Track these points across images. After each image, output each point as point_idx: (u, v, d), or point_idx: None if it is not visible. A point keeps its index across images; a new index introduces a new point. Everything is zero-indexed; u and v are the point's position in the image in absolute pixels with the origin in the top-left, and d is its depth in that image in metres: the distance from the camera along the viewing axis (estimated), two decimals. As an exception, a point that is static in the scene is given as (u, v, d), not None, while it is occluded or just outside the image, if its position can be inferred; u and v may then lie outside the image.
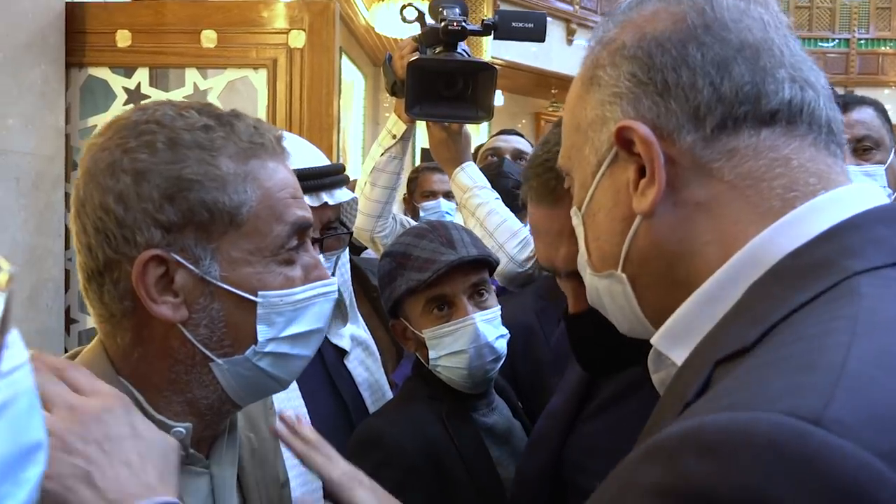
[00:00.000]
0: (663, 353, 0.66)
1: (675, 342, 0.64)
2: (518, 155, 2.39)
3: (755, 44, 0.62)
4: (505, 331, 1.38)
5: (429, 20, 1.72)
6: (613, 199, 0.66)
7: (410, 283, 1.32)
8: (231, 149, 0.75)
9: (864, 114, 1.89)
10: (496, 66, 1.77)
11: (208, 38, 2.46)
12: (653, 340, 0.67)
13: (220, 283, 0.74)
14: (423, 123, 1.88)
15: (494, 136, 2.50)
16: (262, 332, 0.77)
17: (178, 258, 0.73)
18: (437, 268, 1.30)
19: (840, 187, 0.60)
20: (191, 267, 0.73)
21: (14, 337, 0.34)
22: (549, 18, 7.18)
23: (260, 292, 0.76)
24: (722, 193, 0.61)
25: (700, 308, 0.61)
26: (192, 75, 2.48)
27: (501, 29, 1.71)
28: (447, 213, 2.96)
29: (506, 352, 1.38)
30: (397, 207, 3.21)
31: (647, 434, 0.60)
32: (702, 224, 0.61)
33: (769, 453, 0.38)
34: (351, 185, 1.48)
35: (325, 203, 1.25)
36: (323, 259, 1.25)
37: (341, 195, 1.29)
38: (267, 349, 0.77)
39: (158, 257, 0.72)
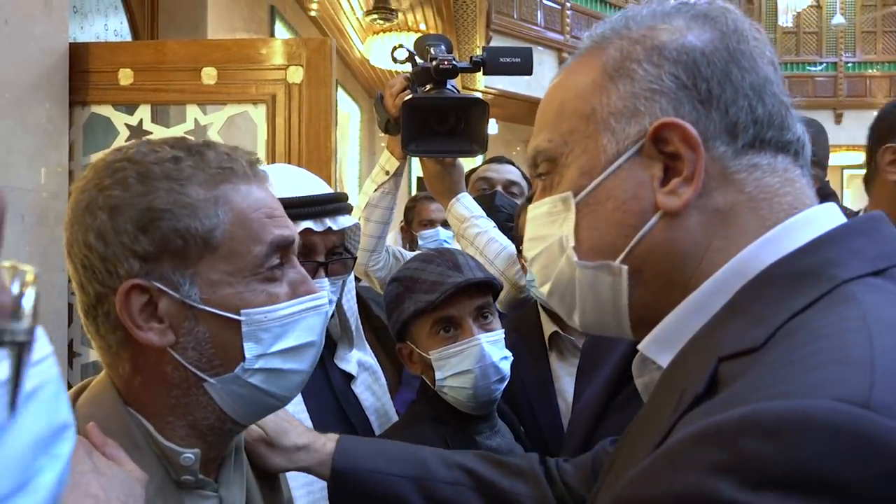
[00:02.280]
0: (650, 357, 0.68)
1: (663, 348, 0.66)
2: (510, 186, 2.42)
3: (774, 80, 0.68)
4: (508, 353, 1.42)
5: (418, 59, 1.77)
6: (632, 192, 0.66)
7: (419, 304, 1.36)
8: (200, 176, 0.78)
9: None
10: (487, 100, 1.82)
11: (208, 75, 2.52)
12: (641, 346, 0.69)
13: (201, 306, 0.76)
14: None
15: (486, 163, 2.53)
16: (249, 348, 0.78)
17: (158, 285, 0.75)
18: (445, 289, 1.34)
19: (812, 208, 0.65)
20: (171, 293, 0.76)
21: (40, 332, 0.38)
22: (540, 48, 7.30)
23: (243, 311, 0.78)
24: (740, 204, 0.64)
25: (689, 315, 0.64)
26: (192, 111, 2.53)
27: (490, 65, 1.77)
28: (445, 241, 3.01)
29: (509, 373, 1.41)
30: (392, 237, 3.26)
31: (646, 427, 0.63)
32: (717, 230, 0.64)
33: (827, 434, 0.41)
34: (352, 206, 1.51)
35: (329, 228, 1.28)
36: (329, 284, 1.29)
37: (345, 221, 1.33)
38: (256, 365, 0.79)
39: (139, 286, 0.75)
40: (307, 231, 1.25)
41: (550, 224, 0.72)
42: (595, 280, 0.68)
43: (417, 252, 2.38)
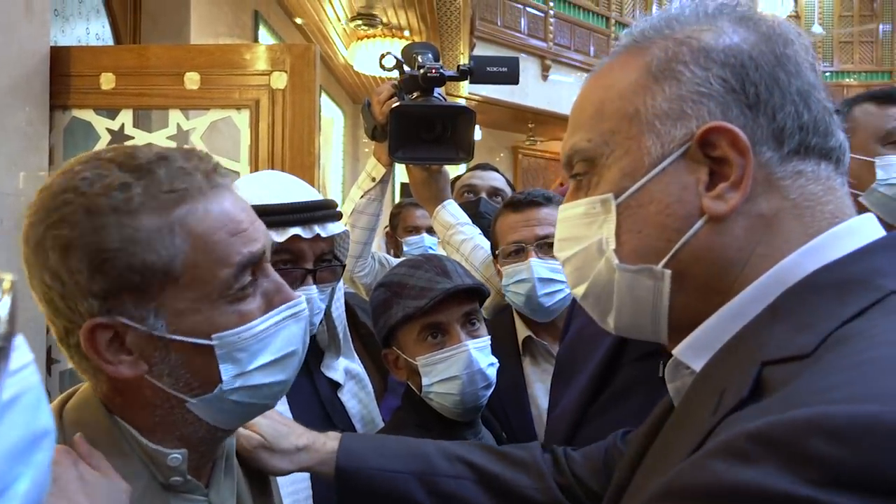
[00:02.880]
0: (684, 362, 0.68)
1: (699, 353, 0.65)
2: (494, 192, 2.43)
3: (817, 85, 0.68)
4: (494, 360, 1.42)
5: (405, 67, 1.77)
6: (676, 196, 0.66)
7: (407, 310, 1.35)
8: (151, 204, 0.73)
9: None
10: (471, 106, 1.83)
11: (191, 80, 2.51)
12: (676, 352, 0.69)
13: (170, 336, 0.73)
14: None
15: (470, 170, 2.54)
16: (226, 370, 0.76)
17: (122, 320, 0.72)
18: (434, 295, 1.33)
19: (854, 218, 0.65)
20: (137, 326, 0.73)
21: (20, 340, 0.37)
22: (523, 55, 7.35)
23: (214, 335, 0.75)
24: (784, 210, 0.64)
25: (728, 321, 0.64)
26: (175, 116, 2.52)
27: (477, 74, 1.78)
28: (430, 247, 3.01)
29: (495, 379, 1.41)
30: (376, 243, 3.25)
31: (681, 428, 0.62)
32: (761, 237, 0.64)
33: (893, 439, 0.41)
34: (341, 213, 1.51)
35: (318, 235, 1.27)
36: (317, 291, 1.28)
37: (334, 228, 1.31)
38: (236, 384, 0.77)
39: (102, 324, 0.72)
40: (295, 238, 1.23)
41: (588, 225, 0.71)
42: (635, 284, 0.68)
43: (403, 258, 2.38)
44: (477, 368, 1.35)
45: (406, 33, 6.36)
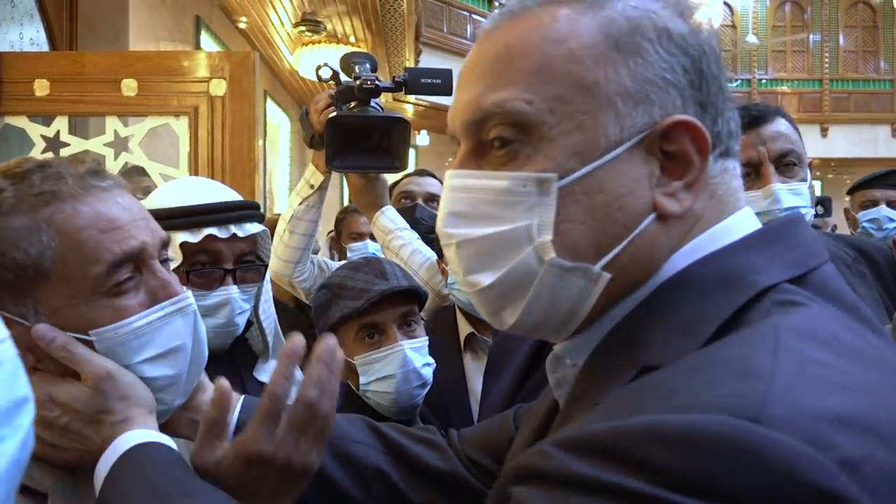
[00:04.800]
0: (565, 357, 0.66)
1: (581, 350, 0.62)
2: (430, 198, 2.49)
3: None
4: (431, 360, 1.46)
5: (343, 77, 1.81)
6: (629, 188, 0.58)
7: (345, 310, 1.38)
8: (23, 204, 0.76)
9: (783, 125, 1.63)
10: (418, 111, 1.88)
11: (129, 86, 2.49)
12: (558, 349, 0.66)
13: None
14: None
15: (407, 177, 2.59)
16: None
17: (5, 314, 0.74)
18: (370, 296, 1.37)
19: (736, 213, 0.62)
20: (19, 320, 0.75)
21: None
22: (468, 62, 7.45)
23: (91, 331, 0.76)
24: (709, 209, 0.60)
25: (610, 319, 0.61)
26: (112, 123, 2.50)
27: (411, 85, 1.82)
28: (374, 253, 3.04)
29: (430, 379, 1.46)
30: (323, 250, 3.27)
31: (562, 426, 0.59)
32: (690, 236, 0.60)
33: (720, 449, 0.42)
34: (262, 214, 1.52)
35: (235, 235, 1.29)
36: (238, 291, 1.29)
37: (251, 228, 1.32)
38: None
39: None
40: (211, 238, 1.25)
41: (509, 206, 0.59)
42: (562, 282, 0.59)
43: (345, 261, 2.42)
44: (412, 368, 1.40)
45: (351, 39, 6.40)
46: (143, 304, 0.80)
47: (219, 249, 1.26)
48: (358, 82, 1.78)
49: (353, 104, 1.82)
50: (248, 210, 1.32)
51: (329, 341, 0.77)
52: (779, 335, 0.49)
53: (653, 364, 0.53)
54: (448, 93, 1.93)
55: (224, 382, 0.78)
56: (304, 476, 0.76)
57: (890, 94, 14.54)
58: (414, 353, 1.41)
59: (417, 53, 8.70)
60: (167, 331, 0.81)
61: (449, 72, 1.92)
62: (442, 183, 2.59)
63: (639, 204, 0.58)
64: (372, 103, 1.82)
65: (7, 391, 0.40)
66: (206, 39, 5.30)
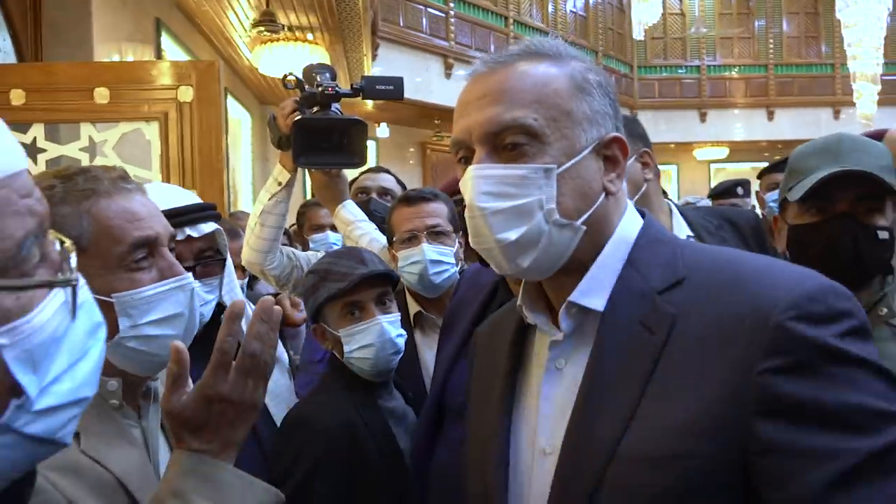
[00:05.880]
0: (580, 304, 0.90)
1: (595, 294, 0.90)
2: (384, 192, 2.72)
3: None
4: (403, 331, 1.72)
5: (306, 86, 2.04)
6: (591, 176, 0.90)
7: (331, 291, 1.63)
8: (69, 197, 0.99)
9: None
10: (377, 105, 2.12)
11: (101, 94, 2.68)
12: (573, 298, 0.90)
13: None
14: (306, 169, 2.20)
15: (363, 173, 2.81)
16: (123, 322, 1.00)
17: None
18: (353, 279, 1.62)
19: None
20: None
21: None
22: (427, 54, 7.61)
23: (113, 294, 0.99)
24: (620, 191, 0.93)
25: (603, 270, 0.90)
26: (86, 129, 2.68)
27: (367, 91, 2.07)
28: (334, 243, 3.26)
29: (403, 347, 1.71)
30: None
31: (622, 352, 0.85)
32: (615, 208, 0.93)
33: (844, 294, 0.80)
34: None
35: (189, 236, 1.51)
36: (200, 286, 1.49)
37: (205, 227, 1.55)
38: (130, 334, 1.00)
39: None
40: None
41: (525, 186, 0.87)
42: (559, 235, 0.88)
43: (310, 252, 2.65)
44: (388, 338, 1.66)
45: (309, 37, 6.54)
46: (153, 279, 1.04)
47: (177, 250, 1.48)
48: (320, 89, 2.02)
49: (315, 109, 2.05)
50: (202, 212, 1.54)
51: (265, 301, 0.97)
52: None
53: (660, 288, 0.87)
54: (399, 97, 2.18)
55: (178, 344, 0.96)
56: (253, 410, 0.97)
57: (831, 78, 15.00)
58: (389, 326, 1.67)
59: (375, 48, 8.87)
60: (170, 301, 1.05)
61: (400, 79, 2.17)
62: (395, 178, 2.84)
63: (597, 185, 0.91)
64: (332, 108, 2.06)
65: (90, 318, 0.63)
66: (166, 40, 5.41)
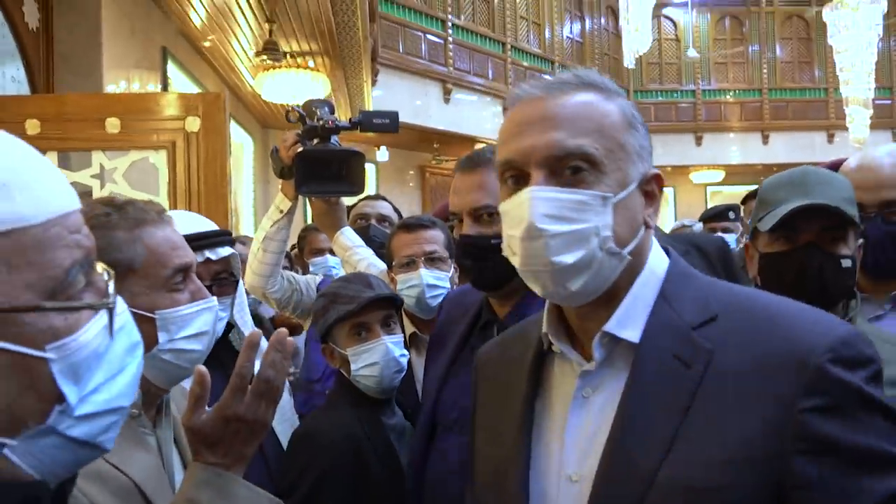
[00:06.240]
0: (614, 333, 0.91)
1: (625, 326, 0.91)
2: (382, 219, 2.85)
3: None
4: (406, 351, 1.83)
5: (307, 119, 2.17)
6: (637, 208, 0.93)
7: (340, 313, 1.74)
8: (122, 224, 1.12)
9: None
10: (364, 153, 2.25)
11: (112, 124, 2.81)
12: (608, 328, 0.91)
13: (129, 309, 1.09)
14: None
15: (362, 201, 2.94)
16: (162, 336, 1.12)
17: None
18: (361, 302, 1.73)
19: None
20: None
21: (120, 299, 0.72)
22: (426, 79, 7.79)
23: (157, 311, 1.11)
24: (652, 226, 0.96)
25: (636, 302, 0.92)
26: (97, 157, 2.81)
27: (365, 124, 2.20)
28: (333, 267, 3.38)
29: (406, 366, 1.82)
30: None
31: (657, 385, 0.87)
32: (648, 241, 0.95)
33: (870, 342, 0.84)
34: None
35: (208, 258, 1.64)
36: (217, 303, 1.63)
37: (223, 251, 1.68)
38: (167, 347, 1.12)
39: None
40: None
41: (583, 211, 0.88)
42: (607, 263, 0.89)
43: (308, 276, 2.77)
44: (392, 357, 1.76)
45: (311, 64, 6.72)
46: (188, 300, 1.18)
47: (197, 272, 1.61)
48: (321, 123, 2.15)
49: (316, 141, 2.18)
50: (220, 237, 1.67)
51: (280, 333, 1.06)
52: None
53: (695, 324, 0.89)
54: (395, 130, 2.31)
55: (202, 368, 1.05)
56: (264, 428, 1.06)
57: (824, 102, 15.23)
58: (393, 346, 1.78)
59: (375, 74, 9.06)
60: (200, 319, 1.19)
61: (395, 113, 2.31)
62: (392, 206, 2.96)
63: (640, 218, 0.94)
64: (332, 140, 2.19)
65: (129, 337, 0.74)
66: (172, 68, 5.58)
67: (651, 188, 0.95)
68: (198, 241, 1.60)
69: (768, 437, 0.80)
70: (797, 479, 0.78)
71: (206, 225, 1.71)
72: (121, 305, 0.72)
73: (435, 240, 2.12)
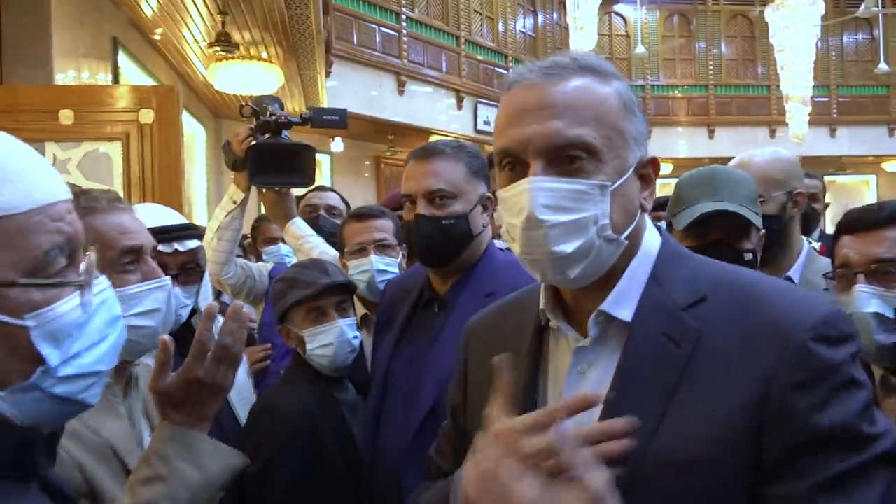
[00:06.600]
0: (610, 313, 0.93)
1: (622, 305, 0.93)
2: (330, 209, 2.98)
3: None
4: (358, 333, 1.96)
5: (259, 115, 2.30)
6: (634, 193, 0.94)
7: (298, 297, 1.87)
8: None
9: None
10: (314, 146, 2.37)
11: (66, 115, 2.87)
12: (605, 307, 0.93)
13: None
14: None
15: (311, 192, 3.06)
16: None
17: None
18: (317, 287, 1.86)
19: None
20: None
21: (103, 278, 0.84)
22: (380, 71, 7.96)
23: None
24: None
25: (629, 283, 0.94)
26: (51, 148, 2.86)
27: (315, 120, 2.34)
28: (286, 255, 3.47)
29: (358, 347, 1.95)
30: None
31: (645, 359, 0.89)
32: (642, 223, 0.97)
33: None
34: (199, 231, 1.97)
35: (176, 250, 1.75)
36: (181, 291, 1.75)
37: (190, 244, 1.79)
38: (118, 324, 1.23)
39: None
40: (159, 252, 1.70)
41: (582, 201, 0.89)
42: (605, 248, 0.91)
43: (261, 264, 2.88)
44: (345, 338, 1.90)
45: (264, 55, 6.75)
46: (138, 280, 1.29)
47: (164, 261, 1.71)
48: (273, 118, 2.28)
49: (267, 135, 2.31)
50: (188, 230, 1.79)
51: (235, 305, 1.16)
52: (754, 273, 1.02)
53: (685, 304, 0.91)
54: (343, 126, 2.45)
55: (165, 337, 1.13)
56: (223, 391, 1.16)
57: (767, 99, 15.75)
58: (347, 328, 1.92)
59: (329, 65, 9.09)
60: (151, 298, 1.30)
61: (344, 110, 2.45)
62: (340, 196, 3.09)
63: (636, 203, 0.95)
64: (282, 135, 2.31)
65: (110, 311, 0.85)
66: (123, 58, 5.56)
67: (647, 171, 0.97)
68: (167, 234, 1.72)
69: (750, 410, 0.83)
70: (773, 451, 0.82)
71: (176, 219, 1.83)
72: (102, 284, 0.84)
73: (384, 228, 2.26)
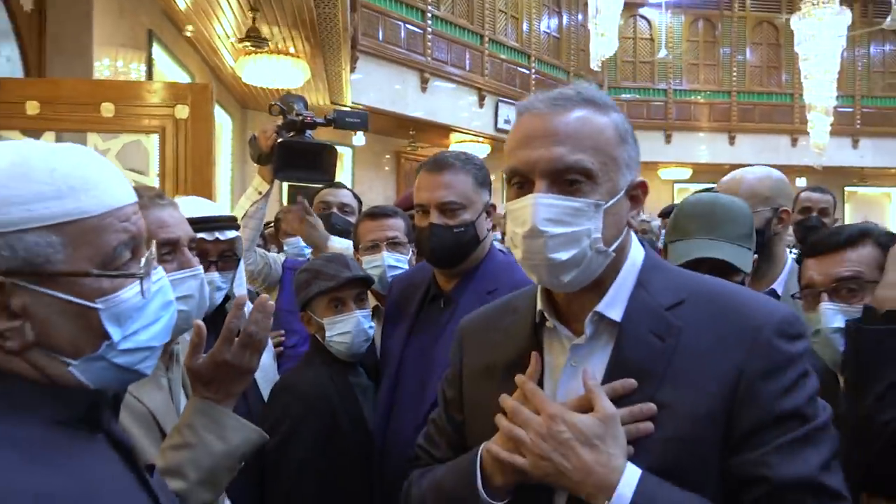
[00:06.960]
0: (603, 313, 1.07)
1: (612, 308, 1.07)
2: (343, 207, 3.16)
3: None
4: (373, 323, 2.13)
5: (287, 114, 2.47)
6: (623, 212, 1.07)
7: (321, 288, 2.03)
8: None
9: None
10: (336, 147, 2.55)
11: (107, 109, 3.05)
12: (600, 308, 1.07)
13: None
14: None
15: (325, 189, 3.23)
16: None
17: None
18: (340, 280, 2.02)
19: None
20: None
21: (160, 268, 0.98)
22: (404, 68, 8.17)
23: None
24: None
25: (620, 288, 1.08)
26: (92, 139, 3.05)
27: (338, 122, 2.51)
28: (305, 247, 3.65)
29: (372, 336, 2.12)
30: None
31: (638, 350, 1.04)
32: (629, 237, 1.11)
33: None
34: (239, 223, 2.14)
35: (217, 238, 1.92)
36: (219, 276, 1.92)
37: (229, 234, 1.96)
38: (171, 307, 1.30)
39: None
40: (202, 240, 1.88)
41: (578, 217, 1.03)
42: (595, 259, 1.05)
43: (279, 254, 3.06)
44: (362, 328, 2.07)
45: (291, 50, 6.94)
46: (173, 269, 1.42)
47: (205, 248, 1.88)
48: (300, 118, 2.45)
49: (292, 133, 2.48)
50: (228, 222, 1.97)
51: (262, 298, 1.30)
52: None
53: (668, 305, 1.06)
54: (365, 128, 2.62)
55: (199, 322, 1.28)
56: (249, 373, 1.30)
57: (790, 107, 15.68)
58: (363, 318, 2.09)
59: (354, 61, 9.26)
60: (185, 285, 1.44)
61: (365, 114, 2.62)
62: (353, 193, 3.26)
63: (624, 220, 1.09)
64: (306, 134, 2.49)
65: (164, 297, 1.00)
66: (156, 49, 5.77)
67: (636, 193, 1.11)
68: (209, 224, 1.90)
69: (724, 394, 0.98)
70: (739, 428, 0.98)
71: (219, 210, 2.02)
72: (159, 273, 1.00)
73: (396, 227, 2.42)
